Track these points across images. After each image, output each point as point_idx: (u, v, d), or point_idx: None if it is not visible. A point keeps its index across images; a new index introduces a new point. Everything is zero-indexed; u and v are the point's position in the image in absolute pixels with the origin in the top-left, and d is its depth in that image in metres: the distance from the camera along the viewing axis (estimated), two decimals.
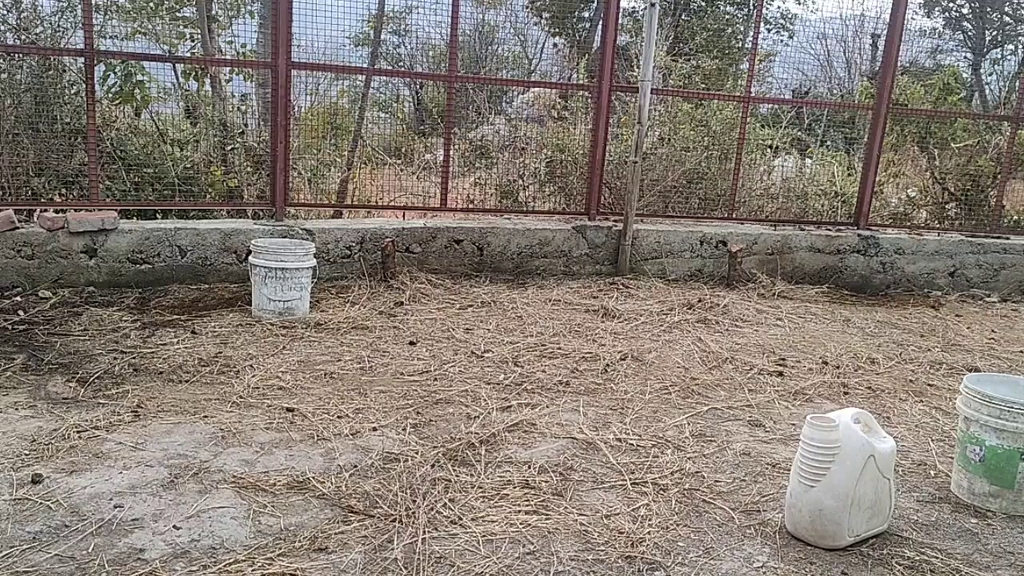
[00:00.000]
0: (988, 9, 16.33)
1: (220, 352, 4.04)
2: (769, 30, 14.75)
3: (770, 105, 9.16)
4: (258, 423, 3.23)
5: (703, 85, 8.33)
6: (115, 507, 2.52)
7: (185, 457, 2.89)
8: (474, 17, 10.35)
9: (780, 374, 4.26)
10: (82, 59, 5.22)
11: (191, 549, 2.33)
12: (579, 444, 3.21)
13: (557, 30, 13.91)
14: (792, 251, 6.60)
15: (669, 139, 7.19)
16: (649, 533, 2.56)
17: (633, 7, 12.51)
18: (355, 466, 2.90)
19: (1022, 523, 2.81)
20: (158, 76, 6.26)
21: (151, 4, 6.85)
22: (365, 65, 8.24)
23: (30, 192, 5.41)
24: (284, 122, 5.60)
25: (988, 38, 16.91)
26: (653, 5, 5.95)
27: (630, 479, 2.93)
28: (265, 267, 4.61)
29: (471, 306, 5.17)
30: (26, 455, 2.83)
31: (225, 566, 2.25)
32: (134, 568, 2.22)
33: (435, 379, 3.85)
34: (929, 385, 4.26)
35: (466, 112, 8.08)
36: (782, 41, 14.51)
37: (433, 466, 2.91)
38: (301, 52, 5.78)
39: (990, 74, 14.78)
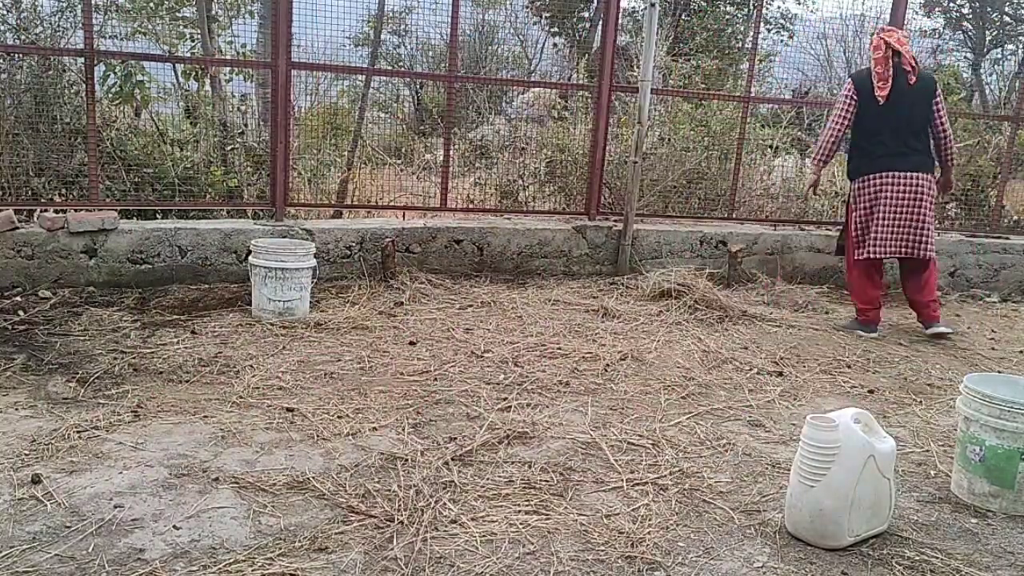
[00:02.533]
0: (988, 9, 16.33)
1: (220, 352, 4.04)
2: (769, 30, 14.75)
3: (770, 105, 9.16)
4: (258, 423, 3.23)
5: (703, 85, 8.32)
6: (115, 507, 2.52)
7: (185, 457, 2.89)
8: (474, 17, 10.34)
9: (780, 374, 4.26)
10: (82, 59, 5.22)
11: (191, 549, 2.33)
12: (579, 444, 3.22)
13: (557, 30, 13.90)
14: (792, 251, 6.60)
15: (669, 139, 7.19)
16: (649, 533, 2.56)
17: (633, 7, 12.50)
18: (355, 466, 2.90)
19: (1022, 523, 2.81)
20: (158, 76, 6.26)
21: (151, 4, 6.85)
22: (365, 65, 8.24)
23: (30, 192, 5.41)
24: (284, 122, 5.60)
25: (988, 38, 16.90)
26: (653, 5, 5.95)
27: (630, 479, 2.93)
28: (265, 267, 4.61)
29: (471, 306, 5.17)
30: (26, 455, 2.83)
31: (225, 566, 2.25)
32: (134, 568, 2.22)
33: (435, 379, 3.85)
34: (929, 385, 4.27)
35: (466, 112, 8.08)
36: (782, 41, 14.50)
37: (433, 466, 2.91)
38: (301, 52, 5.79)
39: (990, 74, 14.77)
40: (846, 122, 5.03)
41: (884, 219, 4.96)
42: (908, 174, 4.89)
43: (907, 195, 4.90)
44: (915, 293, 5.20)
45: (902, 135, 4.91)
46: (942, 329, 5.12)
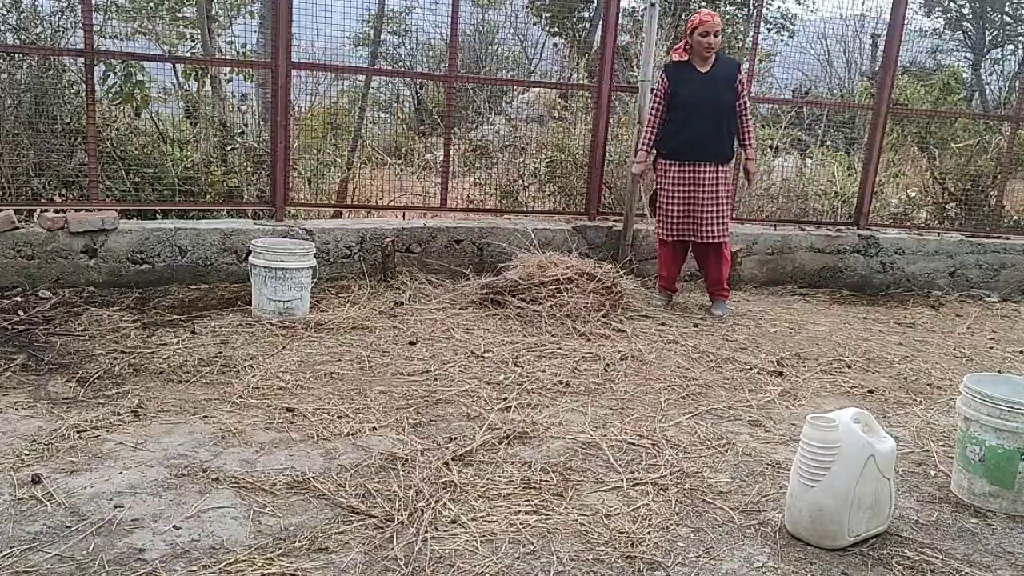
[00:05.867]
0: (988, 9, 16.32)
1: (220, 352, 4.04)
2: (769, 30, 14.73)
3: (770, 105, 9.16)
4: (258, 423, 3.23)
5: None
6: (115, 507, 2.52)
7: (185, 457, 2.89)
8: (474, 17, 10.33)
9: (780, 374, 4.26)
10: (82, 59, 5.21)
11: (191, 549, 2.33)
12: (579, 444, 3.22)
13: (557, 30, 13.88)
14: (792, 251, 6.60)
15: None
16: (649, 533, 2.56)
17: (633, 7, 12.47)
18: (355, 466, 2.90)
19: (1022, 523, 2.81)
20: (158, 76, 6.26)
21: (151, 4, 6.85)
22: (365, 65, 8.24)
23: (30, 192, 5.41)
24: (284, 122, 5.60)
25: (988, 38, 16.90)
26: (653, 5, 5.94)
27: (630, 479, 2.93)
28: (265, 267, 4.61)
29: (471, 306, 5.17)
30: (26, 455, 2.83)
31: (225, 566, 2.25)
32: (134, 568, 2.22)
33: (435, 379, 3.85)
34: (929, 385, 4.27)
35: (466, 112, 8.07)
36: (782, 41, 14.49)
37: (433, 466, 2.91)
38: (301, 52, 5.78)
39: (990, 74, 14.77)
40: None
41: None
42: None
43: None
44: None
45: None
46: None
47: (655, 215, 5.50)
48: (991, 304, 6.51)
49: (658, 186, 5.43)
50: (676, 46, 5.34)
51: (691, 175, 5.26)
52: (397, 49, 12.38)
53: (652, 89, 5.50)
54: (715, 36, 5.10)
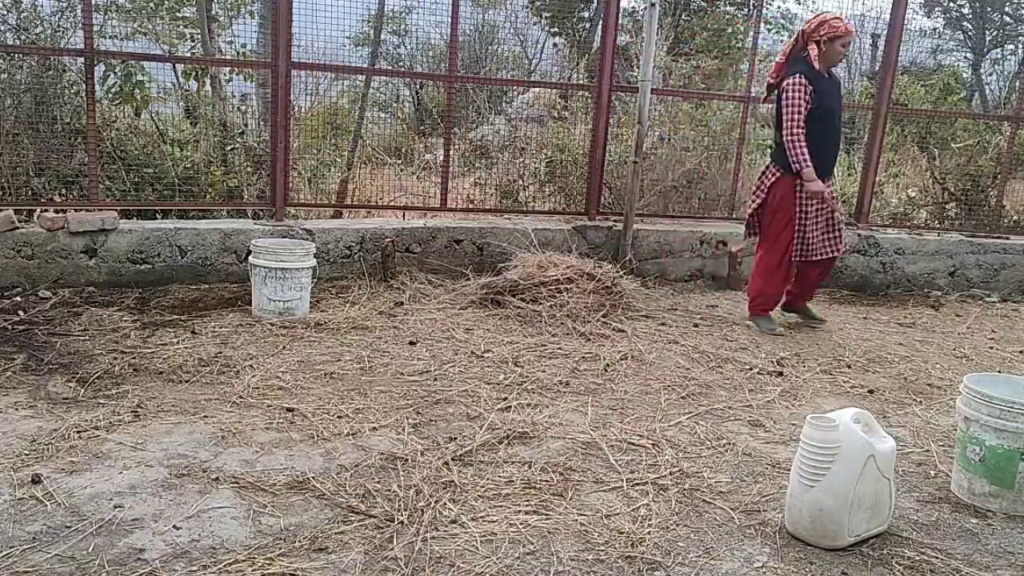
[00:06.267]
0: (988, 9, 16.33)
1: (220, 352, 4.04)
2: (769, 30, 14.73)
3: (770, 105, 9.15)
4: (258, 423, 3.23)
5: (703, 85, 8.32)
6: (115, 507, 2.52)
7: (185, 457, 2.89)
8: (474, 17, 10.33)
9: (780, 374, 4.26)
10: (82, 59, 5.22)
11: (191, 549, 2.33)
12: (579, 444, 3.22)
13: (557, 30, 13.88)
14: None
15: (669, 139, 7.18)
16: (649, 533, 2.56)
17: (633, 7, 12.47)
18: (355, 466, 2.91)
19: (1022, 523, 2.81)
20: (158, 76, 6.26)
21: (151, 4, 6.85)
22: (365, 65, 8.24)
23: (30, 192, 5.41)
24: (284, 122, 5.60)
25: (988, 38, 16.91)
26: (653, 5, 5.94)
27: (630, 479, 2.93)
28: (265, 267, 4.61)
29: (471, 306, 5.17)
30: (26, 455, 2.83)
31: (225, 566, 2.25)
32: (134, 568, 2.22)
33: (435, 379, 3.85)
34: (929, 385, 4.27)
35: (466, 112, 8.07)
36: (782, 41, 14.50)
37: (433, 466, 2.91)
38: (301, 52, 5.78)
39: (990, 74, 14.77)
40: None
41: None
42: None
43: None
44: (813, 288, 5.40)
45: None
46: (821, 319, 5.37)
47: (757, 234, 5.22)
48: (991, 304, 6.51)
49: (796, 208, 4.91)
50: (813, 52, 4.76)
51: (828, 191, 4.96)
52: (397, 49, 12.37)
53: (789, 94, 4.78)
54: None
